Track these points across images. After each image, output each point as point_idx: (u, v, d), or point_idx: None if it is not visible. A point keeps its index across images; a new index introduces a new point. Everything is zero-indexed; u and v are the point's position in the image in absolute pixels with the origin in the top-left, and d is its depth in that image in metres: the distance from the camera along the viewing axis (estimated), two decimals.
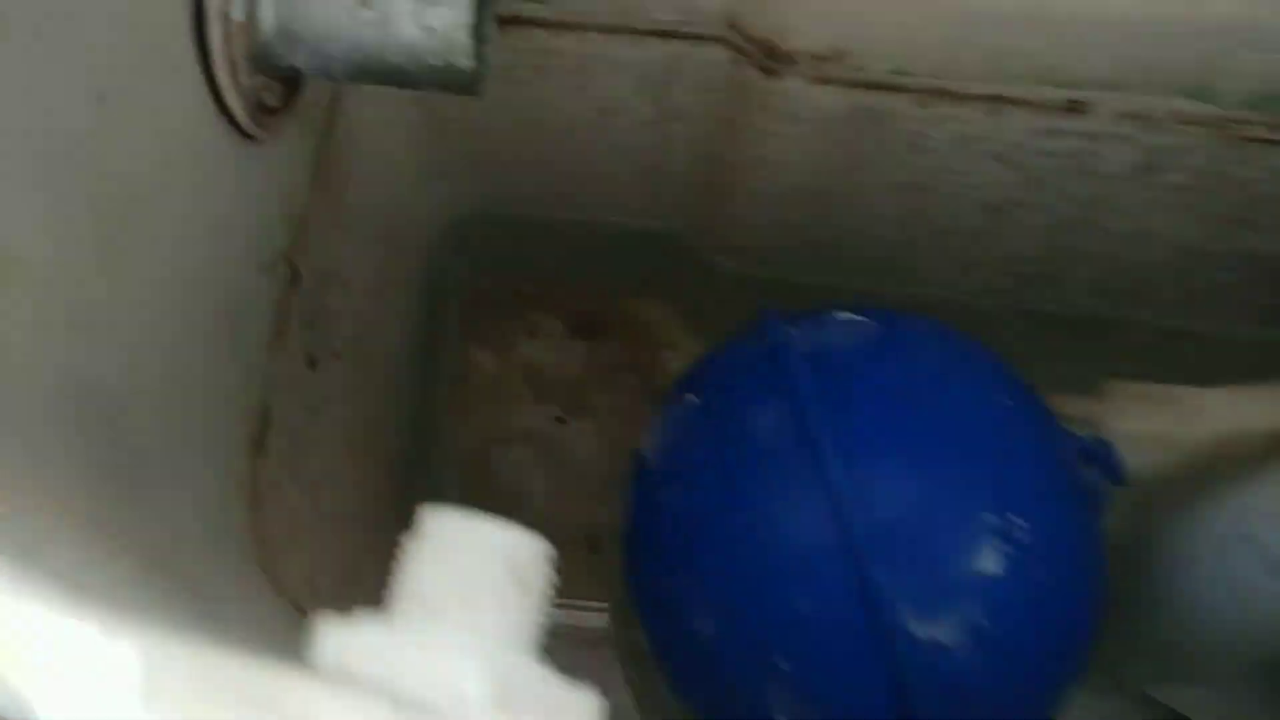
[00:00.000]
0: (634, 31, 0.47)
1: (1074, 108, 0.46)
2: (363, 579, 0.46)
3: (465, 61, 0.33)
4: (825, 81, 0.46)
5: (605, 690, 0.18)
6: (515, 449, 0.69)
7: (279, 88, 0.35)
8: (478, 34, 0.33)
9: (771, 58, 0.46)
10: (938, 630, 0.36)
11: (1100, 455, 0.43)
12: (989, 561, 0.37)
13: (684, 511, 0.41)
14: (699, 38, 0.47)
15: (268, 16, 0.33)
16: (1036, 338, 0.62)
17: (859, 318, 0.44)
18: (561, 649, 0.57)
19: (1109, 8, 0.41)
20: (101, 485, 0.26)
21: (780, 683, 0.38)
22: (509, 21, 0.47)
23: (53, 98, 0.25)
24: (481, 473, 0.68)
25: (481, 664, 0.17)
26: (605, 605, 0.54)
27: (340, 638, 0.17)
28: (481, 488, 0.68)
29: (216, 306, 0.34)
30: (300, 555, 0.39)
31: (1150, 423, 0.44)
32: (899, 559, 0.36)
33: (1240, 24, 0.41)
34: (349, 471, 0.48)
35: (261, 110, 0.34)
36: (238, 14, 0.32)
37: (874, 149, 0.50)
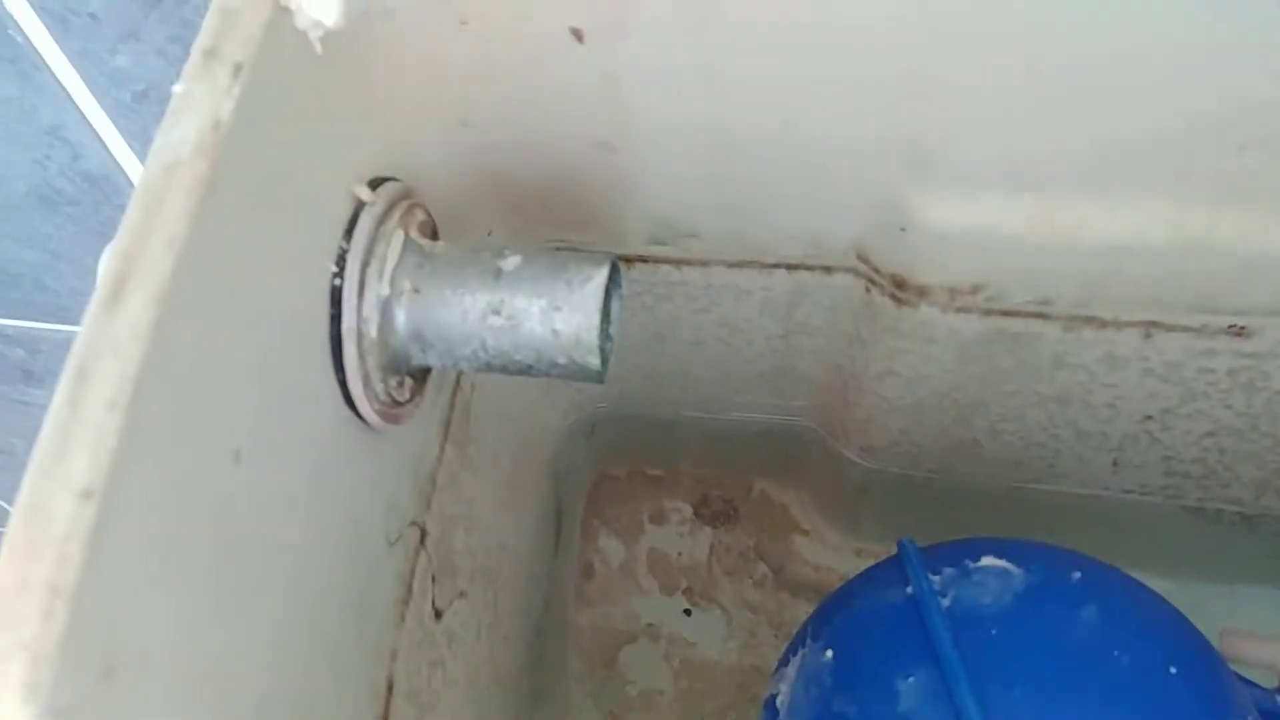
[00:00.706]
0: (760, 265, 0.46)
1: (1237, 332, 0.43)
2: None
3: (592, 360, 0.33)
4: (961, 310, 0.44)
5: None
6: (642, 644, 0.67)
7: (412, 381, 0.36)
8: (604, 334, 0.33)
9: (903, 289, 0.44)
10: None
11: None
12: None
13: None
14: (828, 269, 0.46)
15: (401, 327, 0.33)
16: (1197, 532, 0.58)
17: (1008, 565, 0.41)
18: None
19: (1270, 239, 0.39)
20: None
21: None
22: (634, 260, 0.47)
23: (189, 464, 0.25)
24: (610, 672, 0.67)
25: None
26: None
27: None
28: (611, 689, 0.66)
29: (348, 605, 0.34)
30: None
31: None
32: None
33: None
34: (476, 706, 0.48)
35: (393, 405, 0.35)
36: (370, 329, 0.32)
37: (1015, 366, 0.48)
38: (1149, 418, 0.50)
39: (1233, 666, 0.42)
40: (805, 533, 0.69)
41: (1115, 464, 0.54)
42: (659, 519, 0.70)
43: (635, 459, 0.72)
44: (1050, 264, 0.41)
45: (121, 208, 0.26)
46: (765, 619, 0.67)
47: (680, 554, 0.69)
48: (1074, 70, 0.32)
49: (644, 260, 0.48)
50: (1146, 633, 0.38)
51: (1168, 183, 0.37)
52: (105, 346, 0.23)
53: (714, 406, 0.61)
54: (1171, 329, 0.43)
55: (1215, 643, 0.41)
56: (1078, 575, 0.40)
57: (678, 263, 0.48)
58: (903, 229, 0.41)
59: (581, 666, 0.66)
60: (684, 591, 0.68)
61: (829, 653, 0.42)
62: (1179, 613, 0.41)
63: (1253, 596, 0.61)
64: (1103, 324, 0.44)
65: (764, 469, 0.70)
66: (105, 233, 0.63)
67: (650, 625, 0.67)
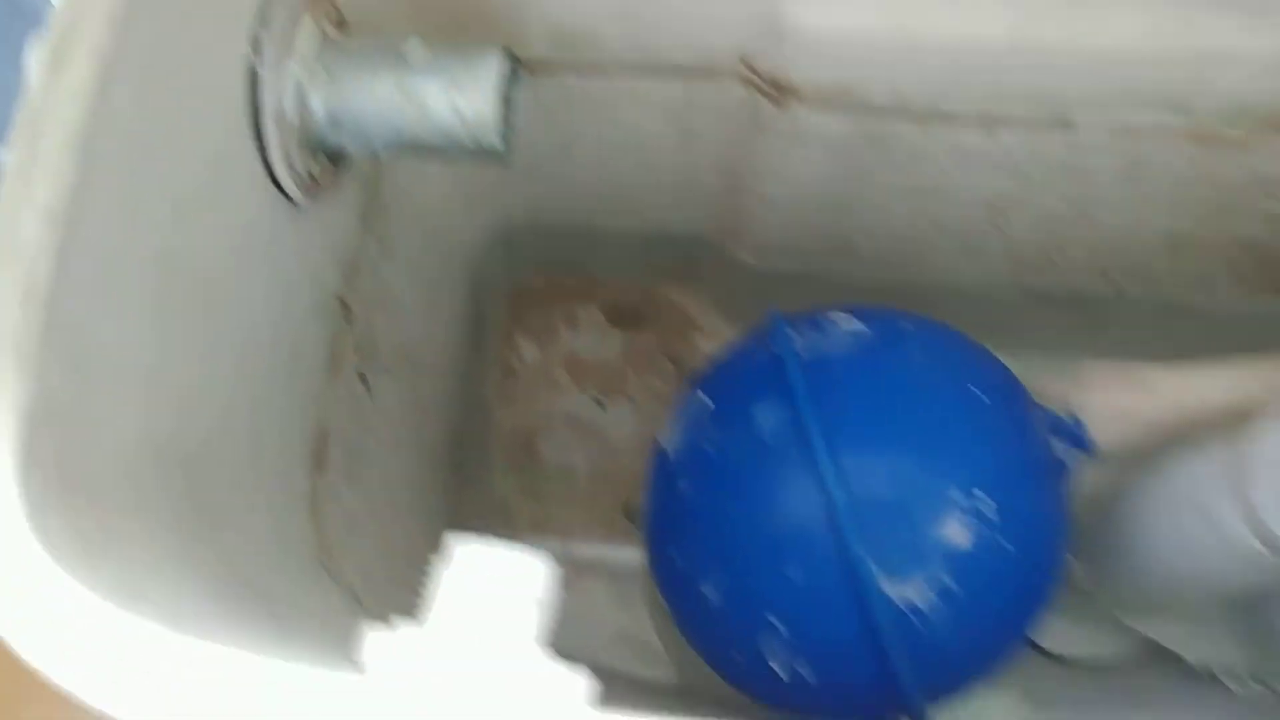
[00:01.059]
0: (655, 71, 0.51)
1: (1064, 124, 0.49)
2: (415, 560, 0.52)
3: (493, 140, 0.38)
4: (830, 110, 0.50)
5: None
6: (559, 432, 0.74)
7: (328, 163, 0.40)
8: (503, 115, 0.38)
9: (780, 91, 0.49)
10: (908, 591, 0.42)
11: (1071, 430, 0.47)
12: (954, 532, 0.42)
13: (694, 496, 0.47)
14: (715, 74, 0.51)
15: (318, 110, 0.37)
16: (1040, 315, 0.66)
17: (852, 320, 0.48)
18: (604, 582, 0.64)
19: (1096, 38, 0.44)
20: (185, 523, 0.32)
21: (774, 638, 0.44)
22: (540, 66, 0.51)
23: (142, 215, 0.30)
24: (529, 455, 0.74)
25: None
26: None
27: (384, 642, 0.23)
28: (530, 469, 0.74)
29: (277, 353, 0.39)
30: (358, 551, 0.45)
31: (1120, 400, 0.48)
32: (874, 533, 0.41)
33: (1218, 52, 0.43)
34: (402, 471, 0.54)
35: (313, 183, 0.39)
36: (290, 112, 0.37)
37: (878, 162, 0.54)
38: (993, 208, 0.56)
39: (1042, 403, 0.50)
40: (705, 331, 0.75)
41: (968, 252, 0.61)
42: (573, 323, 0.76)
43: (552, 269, 0.77)
44: (905, 65, 0.47)
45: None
46: (668, 407, 0.74)
47: (593, 355, 0.75)
48: None
49: (548, 66, 0.52)
50: (957, 366, 0.46)
51: None
52: (53, 101, 0.27)
53: (621, 215, 0.66)
54: (1009, 122, 0.49)
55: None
56: (908, 326, 0.47)
57: (580, 70, 0.52)
58: (779, 34, 0.46)
59: (503, 452, 0.73)
60: (596, 386, 0.75)
61: (705, 398, 0.49)
62: (993, 357, 0.49)
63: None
64: (951, 119, 0.49)
65: (669, 275, 0.76)
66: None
67: (567, 415, 0.74)
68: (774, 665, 0.45)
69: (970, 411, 0.44)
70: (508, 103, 0.38)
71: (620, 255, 0.73)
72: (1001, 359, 0.63)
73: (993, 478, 0.43)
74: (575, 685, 0.24)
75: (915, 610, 0.42)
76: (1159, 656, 0.62)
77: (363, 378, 0.49)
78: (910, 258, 0.62)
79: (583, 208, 0.66)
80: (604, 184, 0.62)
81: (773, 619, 0.44)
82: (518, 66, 0.39)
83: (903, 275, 0.64)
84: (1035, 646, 0.65)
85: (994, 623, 0.45)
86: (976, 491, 0.42)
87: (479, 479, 0.73)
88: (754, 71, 0.49)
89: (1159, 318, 0.64)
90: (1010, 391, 0.47)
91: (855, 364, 0.46)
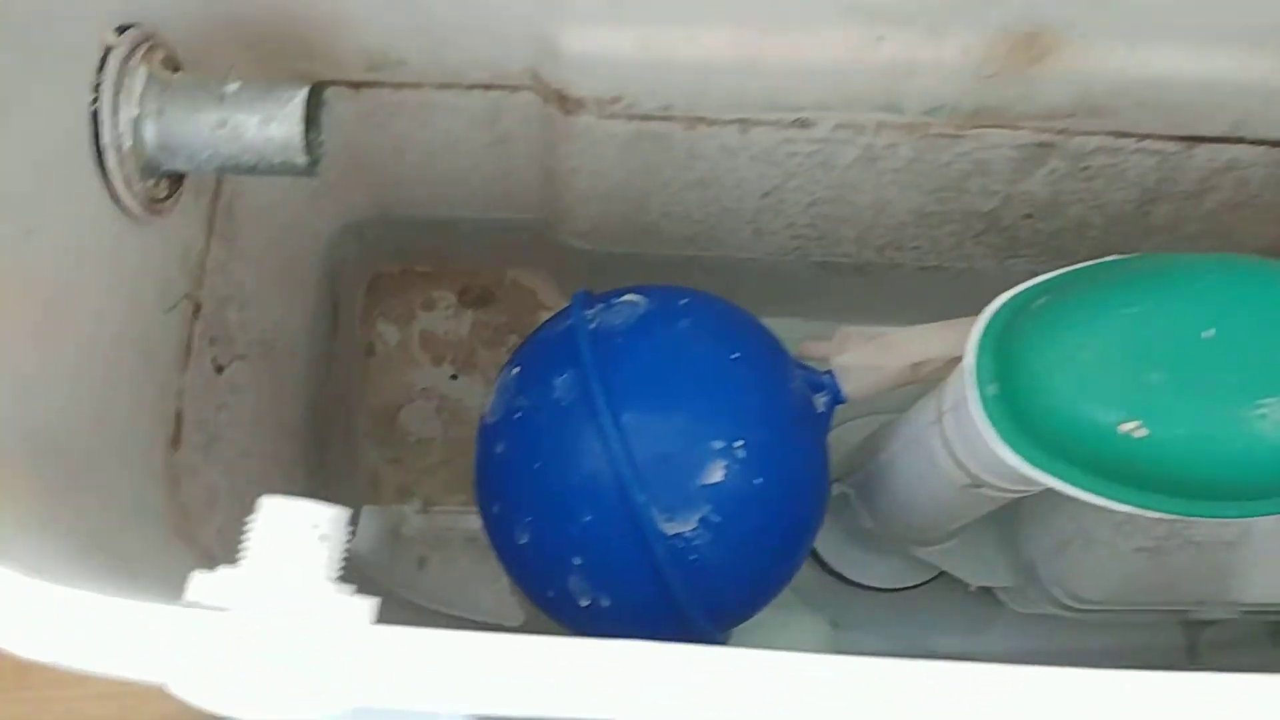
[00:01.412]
0: (459, 85, 0.59)
1: (802, 124, 0.59)
2: None
3: (300, 158, 0.46)
4: (611, 117, 0.59)
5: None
6: (418, 404, 0.82)
7: (167, 182, 0.48)
8: (308, 138, 0.46)
9: (566, 102, 0.58)
10: (683, 527, 0.51)
11: (825, 384, 0.57)
12: (717, 475, 0.51)
13: (506, 455, 0.55)
14: (512, 88, 0.59)
15: (151, 141, 0.45)
16: (827, 282, 0.76)
17: (639, 297, 0.57)
18: (460, 539, 0.75)
19: (810, 53, 0.54)
20: (52, 495, 0.39)
21: (578, 575, 0.53)
22: (360, 85, 0.59)
23: None
24: (392, 427, 0.82)
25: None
26: None
27: (205, 580, 0.31)
28: (393, 440, 0.82)
29: (133, 349, 0.47)
30: (216, 520, 0.52)
31: (867, 357, 0.58)
32: (651, 480, 0.50)
33: (902, 64, 0.53)
34: (263, 447, 0.62)
35: (154, 202, 0.47)
36: (127, 142, 0.44)
37: (663, 160, 0.63)
38: (766, 195, 0.66)
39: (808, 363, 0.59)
40: (549, 308, 0.84)
41: (756, 232, 0.71)
42: (428, 306, 0.84)
43: (407, 258, 0.85)
44: (660, 79, 0.56)
45: None
46: None
47: (447, 333, 0.84)
48: None
49: (368, 85, 0.60)
50: (722, 334, 0.55)
51: (729, 13, 0.52)
52: None
53: (460, 207, 0.74)
54: (758, 123, 0.59)
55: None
56: (684, 301, 0.57)
57: (395, 86, 0.60)
58: (555, 55, 0.55)
59: (368, 424, 0.81)
60: (450, 362, 0.83)
61: (515, 370, 0.57)
62: (758, 325, 0.58)
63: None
64: (710, 122, 0.59)
65: (513, 260, 0.85)
66: None
67: (424, 389, 0.82)
68: (581, 600, 0.54)
69: (730, 371, 0.54)
70: (313, 126, 0.46)
71: (467, 242, 0.81)
72: (797, 322, 0.73)
73: (749, 427, 0.52)
74: (360, 610, 0.32)
75: (690, 544, 0.51)
76: (948, 580, 0.73)
77: (218, 366, 0.56)
78: (710, 239, 0.72)
79: (424, 201, 0.74)
80: (438, 181, 0.70)
81: (575, 559, 0.53)
82: (321, 97, 0.47)
83: (708, 253, 0.74)
84: (838, 575, 0.76)
85: (759, 550, 0.54)
86: (735, 440, 0.52)
87: (349, 452, 0.81)
88: (543, 85, 0.58)
89: (924, 280, 0.75)
90: (770, 353, 0.56)
91: (635, 334, 0.54)
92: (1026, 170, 0.63)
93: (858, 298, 0.76)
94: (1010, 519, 0.70)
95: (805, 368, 0.58)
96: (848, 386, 0.58)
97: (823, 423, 0.58)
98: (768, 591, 0.58)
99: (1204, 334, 0.41)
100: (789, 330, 0.61)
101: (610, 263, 0.76)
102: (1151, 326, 0.41)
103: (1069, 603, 0.65)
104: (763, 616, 0.59)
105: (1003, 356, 0.44)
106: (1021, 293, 0.46)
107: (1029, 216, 0.68)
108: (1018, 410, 0.43)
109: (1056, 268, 0.48)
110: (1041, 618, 0.70)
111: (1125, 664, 0.29)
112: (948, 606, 0.77)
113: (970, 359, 0.45)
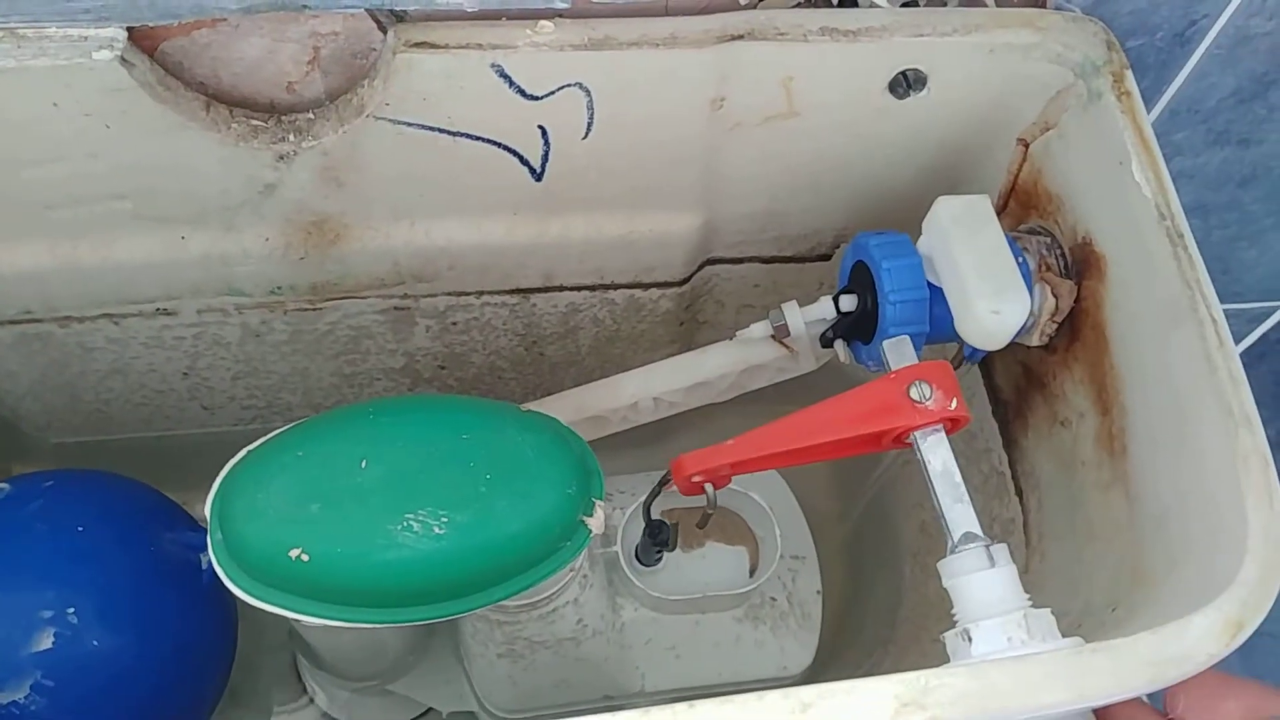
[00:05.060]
0: None
1: (165, 311, 0.66)
2: None
3: None
4: None
5: None
6: None
7: None
8: None
9: None
10: (15, 695, 0.54)
11: (201, 544, 0.62)
12: (45, 642, 0.54)
13: None
14: None
15: None
16: None
17: (3, 485, 0.61)
18: None
19: (122, 258, 0.61)
20: None
21: None
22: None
23: None
24: None
25: None
26: None
27: None
28: None
29: None
30: None
31: None
32: None
33: (215, 256, 0.62)
34: None
35: None
36: None
37: (60, 355, 0.68)
38: (185, 375, 0.72)
39: None
40: None
41: (205, 408, 0.77)
42: None
43: None
44: (22, 287, 0.62)
45: None
46: None
47: None
48: None
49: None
50: (74, 511, 0.59)
51: (39, 228, 0.59)
52: None
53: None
54: (124, 315, 0.66)
55: None
56: (48, 484, 0.61)
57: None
58: None
59: None
60: None
61: None
62: (139, 497, 0.63)
63: None
64: (80, 319, 0.65)
65: None
66: None
67: None
68: None
69: (68, 543, 0.58)
70: None
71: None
72: None
73: (82, 594, 0.56)
74: None
75: (26, 710, 0.54)
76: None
77: None
78: (165, 419, 0.78)
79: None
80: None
81: None
82: None
83: (174, 432, 0.79)
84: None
85: (116, 708, 0.58)
86: (66, 607, 0.56)
87: None
88: None
89: None
90: (134, 521, 0.61)
91: None
92: (405, 330, 0.72)
93: None
94: None
95: (195, 528, 0.63)
96: None
97: (205, 579, 0.62)
98: None
99: (360, 464, 0.48)
100: None
101: (79, 451, 0.80)
102: (314, 464, 0.49)
103: (502, 715, 0.71)
104: None
105: (221, 507, 0.50)
106: (246, 454, 0.53)
107: (443, 368, 0.77)
108: (231, 549, 0.50)
109: None
110: None
111: None
112: None
113: (207, 511, 0.51)
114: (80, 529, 0.59)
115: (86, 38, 0.50)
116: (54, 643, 0.55)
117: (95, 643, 0.56)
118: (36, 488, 0.61)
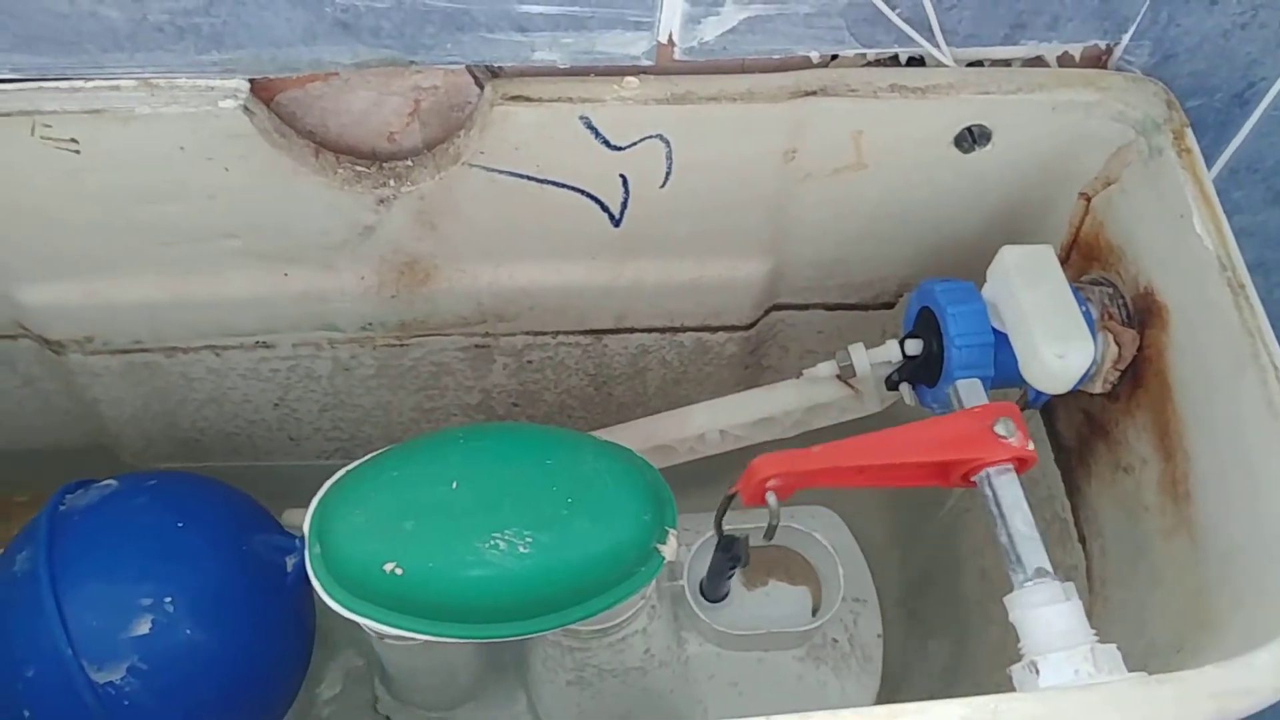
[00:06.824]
0: None
1: (264, 345, 0.70)
2: None
3: None
4: (94, 353, 0.69)
5: None
6: None
7: None
8: None
9: (50, 343, 0.68)
10: (112, 676, 0.57)
11: (293, 548, 0.65)
12: (143, 628, 0.57)
13: None
14: (11, 336, 0.69)
15: None
16: None
17: (114, 481, 0.64)
18: None
19: (226, 293, 0.65)
20: None
21: None
22: None
23: None
24: None
25: None
26: None
27: None
28: None
29: None
30: None
31: None
32: (81, 635, 0.56)
33: (314, 293, 0.66)
34: None
35: None
36: None
37: (164, 384, 0.73)
38: (276, 405, 0.76)
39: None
40: None
41: (291, 439, 0.81)
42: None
43: None
44: (117, 318, 0.66)
45: None
46: None
47: None
48: None
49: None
50: (176, 507, 0.62)
51: (149, 263, 0.63)
52: None
53: (14, 442, 0.81)
54: (225, 348, 0.70)
55: None
56: (152, 482, 0.65)
57: None
58: (16, 306, 0.65)
59: None
60: None
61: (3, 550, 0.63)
62: (232, 501, 0.66)
63: None
64: (185, 350, 0.70)
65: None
66: None
67: None
68: None
69: (170, 538, 0.61)
70: None
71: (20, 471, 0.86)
72: None
73: (180, 585, 0.59)
74: None
75: (121, 690, 0.57)
76: None
77: None
78: (253, 449, 0.81)
79: None
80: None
81: (25, 712, 0.58)
82: None
83: (261, 463, 0.83)
84: None
85: (198, 694, 0.60)
86: (164, 596, 0.59)
87: None
88: (30, 332, 0.68)
89: None
90: (227, 522, 0.64)
91: (92, 511, 0.62)
92: (483, 367, 0.75)
93: None
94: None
95: (284, 533, 0.66)
96: None
97: (291, 581, 0.65)
98: None
99: (452, 486, 0.52)
100: None
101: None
102: (409, 484, 0.52)
103: None
104: None
105: (319, 522, 0.54)
106: (346, 473, 0.56)
107: (516, 405, 0.80)
108: (329, 563, 0.53)
109: None
110: None
111: None
112: None
113: (306, 526, 0.54)
114: (180, 525, 0.62)
115: (213, 88, 0.55)
116: (151, 629, 0.58)
117: (188, 631, 0.59)
118: (141, 486, 0.65)
